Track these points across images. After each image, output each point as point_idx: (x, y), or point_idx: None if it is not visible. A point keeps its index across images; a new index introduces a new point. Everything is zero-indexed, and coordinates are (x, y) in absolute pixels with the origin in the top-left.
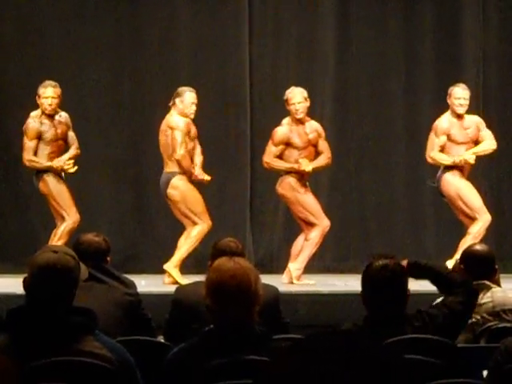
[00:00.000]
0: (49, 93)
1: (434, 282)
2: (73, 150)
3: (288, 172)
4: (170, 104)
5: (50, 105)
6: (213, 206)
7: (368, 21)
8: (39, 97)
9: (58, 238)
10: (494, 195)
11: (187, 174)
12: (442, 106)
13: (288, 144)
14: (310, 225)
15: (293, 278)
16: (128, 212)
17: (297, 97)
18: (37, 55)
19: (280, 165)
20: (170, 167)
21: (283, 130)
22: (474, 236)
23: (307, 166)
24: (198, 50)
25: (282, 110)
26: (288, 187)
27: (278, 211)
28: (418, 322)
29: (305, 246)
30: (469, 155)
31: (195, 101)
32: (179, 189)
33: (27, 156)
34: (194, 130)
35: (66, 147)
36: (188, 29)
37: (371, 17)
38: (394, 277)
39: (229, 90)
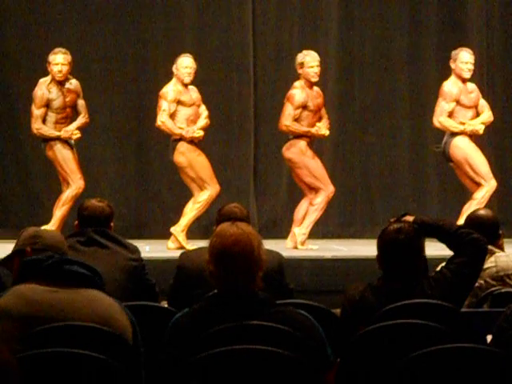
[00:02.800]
0: (59, 59)
1: (441, 240)
2: (81, 119)
3: (298, 136)
4: (172, 73)
5: (60, 71)
6: (217, 172)
7: None
8: (49, 64)
9: (63, 203)
10: (498, 162)
11: (176, 137)
12: (445, 70)
13: (304, 107)
14: (315, 190)
15: (297, 243)
16: (132, 178)
17: (314, 60)
18: (41, 22)
19: (299, 128)
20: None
21: (301, 93)
22: (478, 201)
23: (326, 131)
24: (202, 16)
25: (285, 75)
26: (298, 151)
27: (281, 176)
28: (428, 289)
29: (309, 211)
30: (479, 125)
31: (190, 65)
32: (186, 154)
33: (35, 124)
34: (192, 96)
35: (75, 115)
36: None
37: None
38: (408, 239)
39: (232, 55)
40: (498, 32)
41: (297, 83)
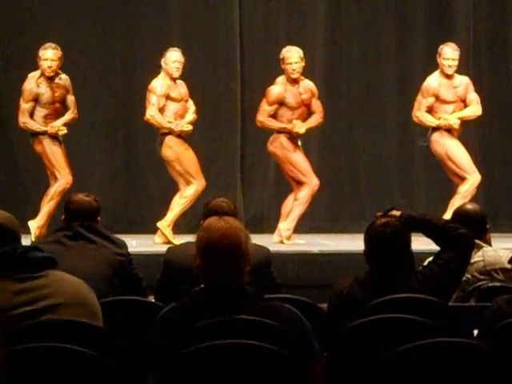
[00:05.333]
0: (48, 55)
1: (428, 235)
2: (68, 115)
3: (280, 131)
4: (159, 67)
5: (50, 67)
6: (203, 166)
7: None
8: (39, 58)
9: (50, 198)
10: (484, 155)
11: (165, 130)
12: (433, 65)
13: (282, 103)
14: (301, 184)
15: (283, 238)
16: (119, 172)
17: (294, 56)
18: (28, 16)
19: (273, 124)
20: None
21: (278, 89)
22: (463, 195)
23: (300, 128)
24: (189, 11)
25: (272, 69)
26: (279, 145)
27: (268, 171)
28: (415, 283)
29: (294, 206)
30: (454, 119)
31: (179, 59)
32: (173, 148)
33: (22, 118)
34: (180, 91)
35: (63, 110)
36: None
37: None
38: (395, 233)
39: (219, 50)
40: (485, 25)
41: (279, 79)
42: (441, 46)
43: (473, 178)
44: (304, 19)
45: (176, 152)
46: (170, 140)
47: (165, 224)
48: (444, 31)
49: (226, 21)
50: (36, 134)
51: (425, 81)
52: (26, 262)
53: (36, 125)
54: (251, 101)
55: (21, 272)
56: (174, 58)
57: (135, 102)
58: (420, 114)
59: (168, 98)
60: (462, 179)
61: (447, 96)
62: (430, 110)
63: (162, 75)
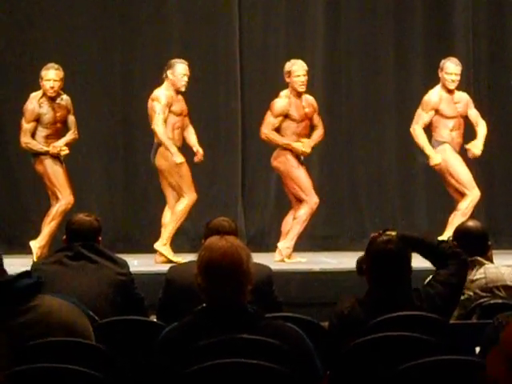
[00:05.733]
0: (51, 75)
1: (424, 255)
2: (69, 135)
3: (284, 148)
4: (163, 77)
5: (52, 87)
6: (205, 185)
7: None
8: (41, 79)
9: (51, 218)
10: (485, 171)
11: (163, 145)
12: (432, 80)
13: (286, 116)
14: (300, 201)
15: (283, 257)
16: (119, 192)
17: (301, 69)
18: (26, 31)
19: (277, 139)
20: (156, 138)
21: (282, 102)
22: (462, 212)
23: (308, 148)
24: (188, 25)
25: (272, 86)
26: (283, 161)
27: (269, 189)
28: (416, 300)
29: (293, 224)
30: (478, 150)
31: (187, 72)
32: (168, 159)
33: (24, 138)
34: (182, 107)
35: (64, 130)
36: (178, 3)
37: None
38: (397, 251)
39: (219, 67)
40: (484, 40)
41: (283, 92)
42: (443, 61)
43: (472, 195)
44: (303, 35)
45: (171, 163)
46: (164, 150)
47: (160, 244)
48: (443, 46)
49: (226, 38)
50: (37, 154)
51: (426, 94)
52: (12, 292)
53: (38, 145)
54: (251, 119)
55: (9, 303)
56: (183, 71)
57: (135, 117)
58: (417, 127)
59: (169, 110)
60: (462, 195)
61: (447, 111)
62: (430, 125)
63: (166, 85)
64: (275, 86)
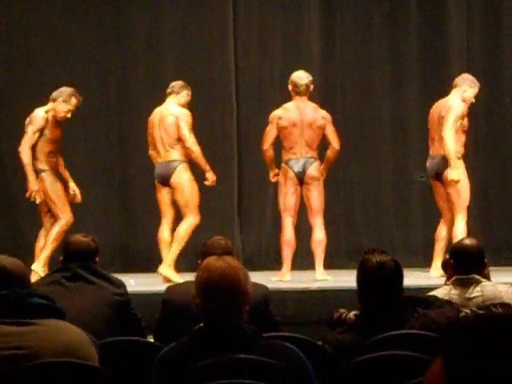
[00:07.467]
0: (74, 103)
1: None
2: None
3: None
4: (168, 91)
5: (69, 115)
6: (201, 204)
7: (353, 16)
8: (62, 101)
9: (54, 238)
10: (481, 188)
11: (197, 161)
12: (428, 100)
13: None
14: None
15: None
16: (115, 212)
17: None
18: (23, 57)
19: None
20: (173, 155)
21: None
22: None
23: None
24: (183, 51)
25: (267, 110)
26: (282, 174)
27: (265, 208)
28: (416, 322)
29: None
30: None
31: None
32: (186, 177)
33: (24, 144)
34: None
35: (60, 148)
36: (173, 29)
37: (356, 11)
38: (391, 274)
39: (215, 90)
40: (479, 60)
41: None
42: (462, 80)
43: (462, 218)
44: (298, 58)
45: (187, 181)
46: (182, 168)
47: (165, 267)
48: (438, 66)
49: (221, 61)
50: (38, 172)
51: (458, 103)
52: (22, 307)
53: (27, 159)
54: (247, 138)
55: (13, 317)
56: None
57: (131, 141)
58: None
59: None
60: (449, 212)
61: (466, 127)
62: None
63: (182, 103)
64: (271, 105)
